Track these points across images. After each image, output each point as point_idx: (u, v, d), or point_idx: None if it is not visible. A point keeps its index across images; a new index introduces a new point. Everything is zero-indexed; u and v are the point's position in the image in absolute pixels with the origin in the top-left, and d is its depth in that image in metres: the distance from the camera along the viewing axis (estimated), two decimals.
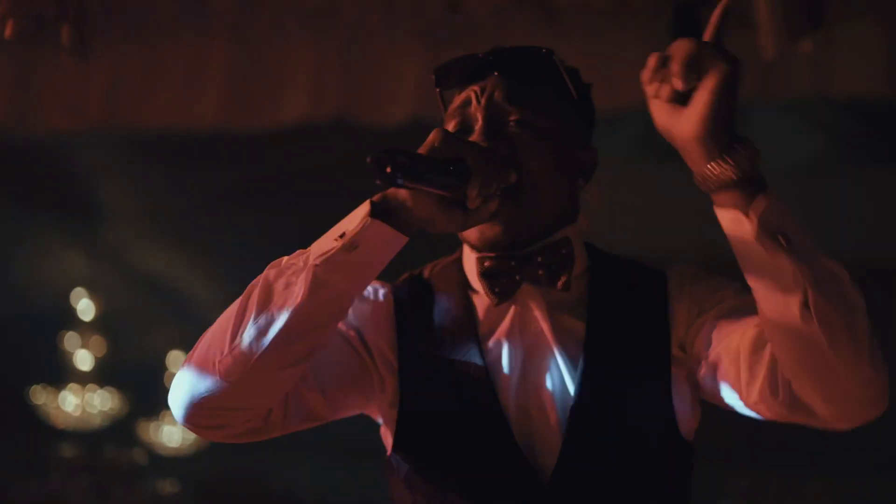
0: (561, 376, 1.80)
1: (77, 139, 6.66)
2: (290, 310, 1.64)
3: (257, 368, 1.64)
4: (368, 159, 1.57)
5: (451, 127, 1.86)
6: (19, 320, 9.55)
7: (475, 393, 1.81)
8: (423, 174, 1.61)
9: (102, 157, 7.49)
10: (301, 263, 1.67)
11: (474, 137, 1.81)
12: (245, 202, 7.87)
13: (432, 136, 1.66)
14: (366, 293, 1.95)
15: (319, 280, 1.64)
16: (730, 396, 1.74)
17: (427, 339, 1.88)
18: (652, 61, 1.54)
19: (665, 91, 1.55)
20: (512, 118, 1.83)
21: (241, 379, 1.65)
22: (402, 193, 1.65)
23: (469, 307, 1.89)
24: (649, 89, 1.57)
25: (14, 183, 8.01)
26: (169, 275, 9.47)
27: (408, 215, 1.66)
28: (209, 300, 9.64)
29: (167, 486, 9.56)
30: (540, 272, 1.83)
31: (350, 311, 1.88)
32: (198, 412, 1.71)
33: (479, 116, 1.83)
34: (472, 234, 1.84)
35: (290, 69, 4.38)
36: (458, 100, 1.89)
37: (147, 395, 10.31)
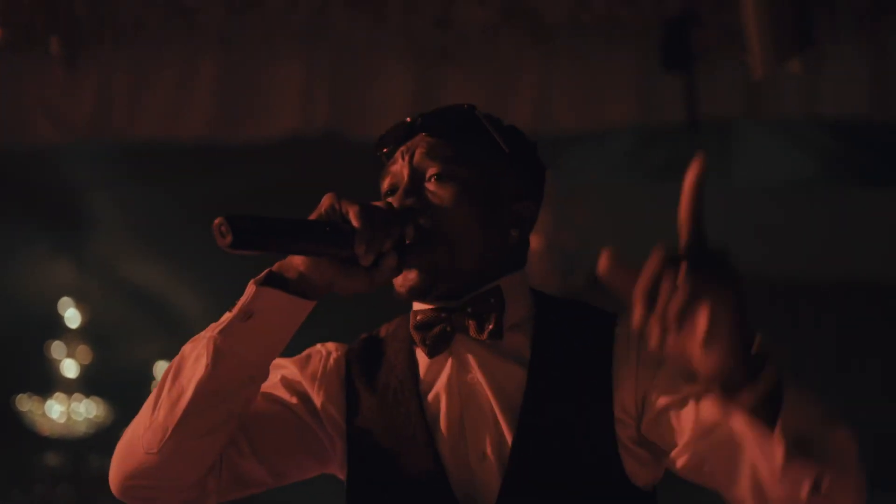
0: (499, 428, 1.81)
1: (65, 150, 6.65)
2: (196, 381, 1.71)
3: (174, 439, 1.72)
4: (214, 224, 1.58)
5: (384, 187, 1.90)
6: (6, 329, 9.52)
7: (416, 453, 1.83)
8: (281, 238, 1.61)
9: (90, 167, 7.48)
10: (207, 334, 1.73)
11: (397, 195, 1.83)
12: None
13: (322, 201, 1.71)
14: (318, 357, 1.97)
15: (220, 351, 1.70)
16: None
17: (373, 401, 1.90)
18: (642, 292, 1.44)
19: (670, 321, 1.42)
20: (432, 173, 1.84)
21: (161, 451, 1.73)
22: (297, 260, 1.70)
23: (412, 363, 1.90)
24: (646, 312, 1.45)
25: (1, 192, 7.99)
26: (156, 285, 9.45)
27: (304, 281, 1.71)
28: (195, 312, 9.62)
29: None
30: (468, 322, 1.82)
31: (299, 374, 1.93)
32: (129, 486, 1.80)
33: (404, 174, 1.86)
34: (396, 287, 1.85)
35: (279, 82, 4.39)
36: (389, 159, 1.92)
37: (133, 405, 10.17)
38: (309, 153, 5.65)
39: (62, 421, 9.86)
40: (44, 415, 9.83)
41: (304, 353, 1.99)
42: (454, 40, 4.37)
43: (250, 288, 1.71)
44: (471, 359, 1.84)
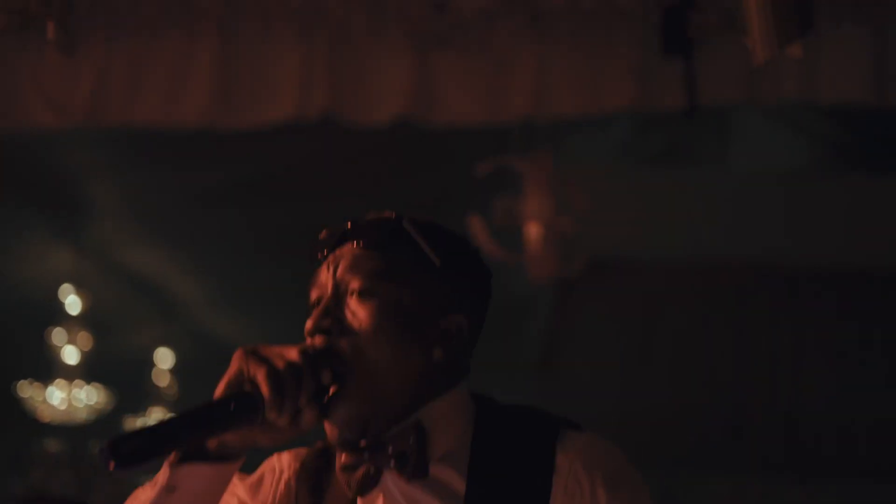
0: None
1: (64, 135, 6.65)
2: None
3: None
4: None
5: (311, 297, 1.80)
6: (6, 316, 9.54)
7: None
8: (177, 441, 1.60)
9: (90, 153, 7.48)
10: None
11: (315, 313, 1.76)
12: (231, 200, 7.86)
13: (231, 362, 1.68)
14: (270, 479, 1.89)
15: None
16: None
17: None
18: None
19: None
20: (353, 288, 1.75)
21: None
22: None
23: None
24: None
25: (1, 178, 7.99)
26: (156, 271, 9.46)
27: (224, 446, 1.67)
28: (196, 297, 9.64)
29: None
30: (391, 461, 1.73)
31: (249, 502, 1.87)
32: None
33: (328, 287, 1.78)
34: (328, 437, 1.78)
35: (277, 68, 4.38)
36: (318, 270, 1.83)
37: (133, 391, 10.32)
38: (306, 138, 5.65)
39: (63, 407, 9.88)
40: (44, 401, 9.86)
41: (258, 472, 1.90)
42: (452, 25, 4.36)
43: (164, 468, 1.67)
44: (400, 497, 1.76)
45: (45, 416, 9.94)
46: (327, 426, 1.74)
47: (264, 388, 1.62)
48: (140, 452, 1.54)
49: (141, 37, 4.39)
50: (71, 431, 10.08)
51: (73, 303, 9.66)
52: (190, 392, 10.64)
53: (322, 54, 4.38)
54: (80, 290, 9.64)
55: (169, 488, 1.66)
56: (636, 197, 7.03)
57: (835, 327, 7.59)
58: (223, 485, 1.70)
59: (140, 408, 10.67)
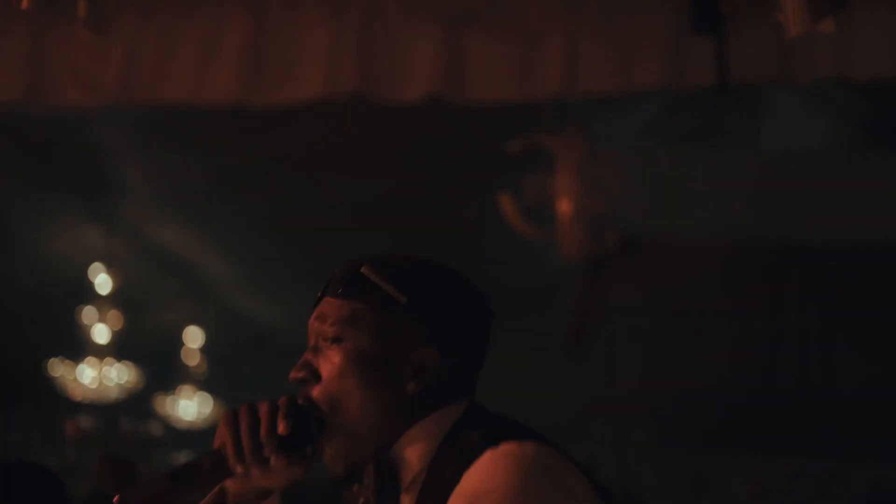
0: None
1: (95, 115, 6.66)
2: None
3: None
4: None
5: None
6: (37, 294, 9.59)
7: None
8: (169, 494, 1.72)
9: (120, 133, 7.50)
10: None
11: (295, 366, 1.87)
12: (261, 179, 7.87)
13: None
14: None
15: None
16: None
17: None
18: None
19: None
20: (325, 336, 1.85)
21: None
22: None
23: None
24: None
25: (31, 158, 8.02)
26: (186, 251, 9.48)
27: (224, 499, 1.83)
28: (225, 276, 9.67)
29: (183, 459, 9.60)
30: (369, 497, 1.83)
31: None
32: None
33: (310, 340, 1.88)
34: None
35: (307, 45, 4.37)
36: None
37: (163, 369, 10.36)
38: (336, 117, 5.64)
39: (94, 385, 9.94)
40: (75, 379, 9.91)
41: None
42: (482, 3, 4.34)
43: None
44: None
45: (76, 394, 10.00)
46: (330, 468, 1.84)
47: (224, 441, 1.75)
48: None
49: (171, 15, 4.39)
50: (102, 409, 10.13)
51: (103, 282, 9.71)
52: (219, 371, 10.68)
53: (351, 32, 4.37)
54: (111, 268, 9.69)
55: None
56: (667, 176, 6.99)
57: (865, 305, 7.54)
58: None
59: (170, 386, 10.72)
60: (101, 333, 9.90)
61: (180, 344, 10.61)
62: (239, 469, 1.76)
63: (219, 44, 4.40)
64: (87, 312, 9.83)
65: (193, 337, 10.72)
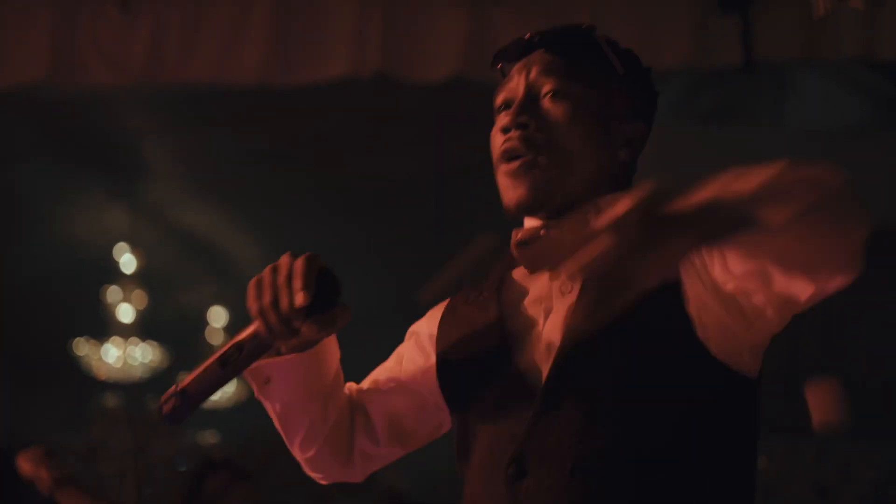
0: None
1: (120, 95, 6.68)
2: (278, 423, 1.95)
3: (303, 454, 1.99)
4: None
5: (497, 101, 1.92)
6: (63, 274, 9.64)
7: (488, 332, 1.89)
8: (214, 387, 1.82)
9: (145, 113, 7.52)
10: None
11: (511, 111, 1.86)
12: (286, 159, 7.88)
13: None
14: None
15: (267, 404, 1.92)
16: None
17: (465, 315, 1.96)
18: None
19: None
20: (547, 90, 1.87)
21: (303, 459, 2.02)
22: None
23: (503, 279, 1.94)
24: None
25: (58, 138, 8.06)
26: (210, 230, 9.52)
27: (292, 347, 1.85)
28: (249, 257, 9.68)
29: (207, 438, 9.66)
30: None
31: (424, 335, 2.02)
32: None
33: (520, 90, 1.88)
34: (505, 204, 1.87)
35: (332, 25, 4.38)
36: (508, 74, 1.94)
37: (188, 349, 10.40)
38: (361, 96, 5.64)
39: (118, 365, 9.99)
40: (100, 359, 9.97)
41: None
42: None
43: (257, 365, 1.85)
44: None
45: (101, 373, 10.05)
46: (511, 194, 1.85)
47: (254, 316, 1.76)
48: (185, 409, 1.81)
49: None
50: (127, 388, 10.18)
51: (128, 261, 9.75)
52: None
53: (377, 11, 4.37)
54: (135, 248, 9.73)
55: (265, 380, 1.86)
56: (690, 155, 6.98)
57: (890, 286, 7.53)
58: (312, 367, 1.86)
59: (194, 365, 10.73)
60: (125, 313, 9.95)
61: (204, 323, 10.65)
62: (276, 342, 1.79)
63: (244, 24, 4.42)
64: (112, 292, 9.87)
65: (217, 316, 10.76)
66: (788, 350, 7.89)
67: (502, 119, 1.88)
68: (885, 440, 7.85)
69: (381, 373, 2.06)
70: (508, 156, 1.85)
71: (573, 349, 1.77)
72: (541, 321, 1.84)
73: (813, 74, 6.79)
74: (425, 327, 2.03)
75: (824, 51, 4.34)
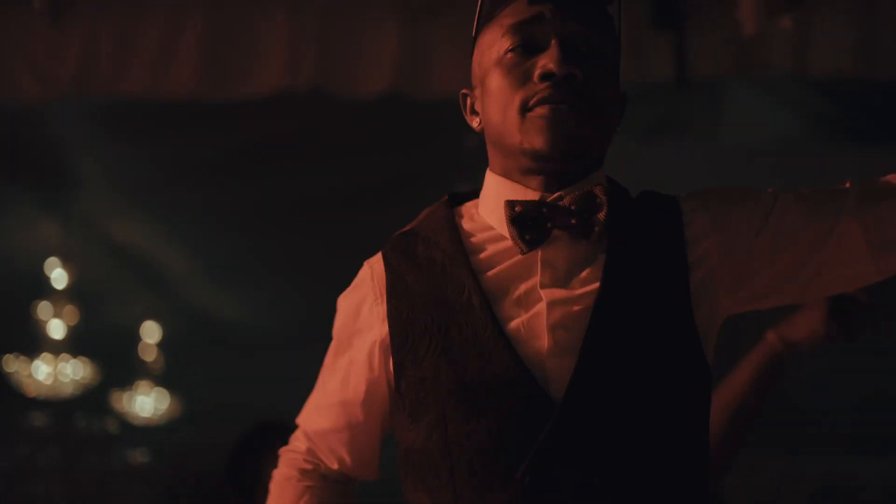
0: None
1: (51, 108, 6.61)
2: None
3: None
4: None
5: (508, 44, 1.84)
6: None
7: (473, 320, 1.82)
8: None
9: (77, 126, 7.43)
10: None
11: (547, 57, 1.80)
12: (219, 173, 7.83)
13: None
14: (364, 289, 1.94)
15: None
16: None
17: (419, 281, 1.86)
18: None
19: None
20: (584, 44, 1.82)
21: None
22: None
23: (455, 238, 1.87)
24: None
25: None
26: (142, 245, 9.42)
27: None
28: (182, 271, 9.60)
29: (138, 456, 9.55)
30: (572, 221, 1.79)
31: (360, 345, 1.94)
32: None
33: (553, 37, 1.80)
34: (527, 142, 1.81)
35: (266, 39, 4.36)
36: (520, 14, 1.85)
37: (120, 365, 10.28)
38: (296, 110, 5.61)
39: (49, 382, 9.85)
40: (30, 376, 9.82)
41: (354, 295, 1.96)
42: None
43: None
44: (562, 256, 1.81)
45: (31, 390, 9.90)
46: (532, 132, 1.79)
47: None
48: None
49: (128, 7, 4.37)
50: (57, 406, 10.05)
51: (59, 276, 9.62)
52: (175, 366, 10.62)
53: (311, 26, 4.35)
54: (67, 263, 9.60)
55: None
56: (627, 171, 7.01)
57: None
58: None
59: (127, 382, 10.64)
60: (56, 329, 9.81)
61: (137, 339, 10.53)
62: None
63: (177, 37, 4.38)
64: (43, 308, 9.73)
65: (150, 332, 10.66)
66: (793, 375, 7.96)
67: (541, 60, 1.80)
68: (815, 455, 7.94)
69: (326, 405, 1.99)
70: (553, 99, 1.78)
71: (598, 354, 1.73)
72: (542, 310, 1.77)
73: (747, 91, 6.84)
74: (366, 328, 1.91)
75: (756, 68, 4.38)
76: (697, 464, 1.78)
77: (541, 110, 1.78)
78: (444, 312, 1.79)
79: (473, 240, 1.86)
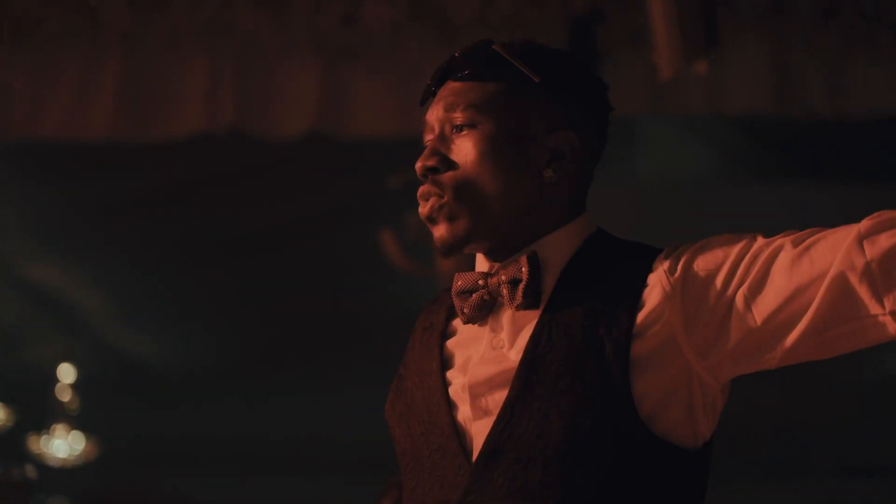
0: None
1: None
2: None
3: None
4: None
5: (424, 140, 1.83)
6: None
7: (430, 387, 1.84)
8: None
9: None
10: None
11: (423, 154, 1.80)
12: (137, 214, 7.76)
13: None
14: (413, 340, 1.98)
15: None
16: None
17: (415, 350, 1.92)
18: None
19: None
20: (456, 123, 1.78)
21: None
22: None
23: (450, 317, 1.89)
24: None
25: None
26: (58, 287, 9.29)
27: None
28: (99, 313, 9.50)
29: (56, 502, 9.42)
30: (503, 290, 1.76)
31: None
32: None
33: (435, 128, 1.81)
34: (434, 242, 1.82)
35: (184, 81, 4.35)
36: (427, 105, 1.87)
37: (36, 409, 10.13)
38: (214, 152, 5.59)
39: None
40: None
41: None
42: (361, 38, 4.35)
43: None
44: (507, 325, 1.79)
45: None
46: (435, 233, 1.79)
47: None
48: None
49: (46, 48, 4.33)
50: None
51: None
52: (93, 407, 10.48)
53: (230, 68, 4.35)
54: None
55: None
56: None
57: None
58: None
59: (43, 425, 10.48)
60: None
61: (54, 381, 10.38)
62: None
63: (94, 79, 4.35)
64: None
65: (67, 374, 10.51)
66: (779, 401, 8.01)
67: (419, 160, 1.81)
68: (792, 481, 8.04)
69: None
70: (423, 199, 1.79)
71: (512, 417, 1.71)
72: (473, 374, 1.79)
73: (663, 127, 6.92)
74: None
75: (671, 107, 4.45)
76: None
77: (420, 211, 1.83)
78: (417, 378, 1.85)
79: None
